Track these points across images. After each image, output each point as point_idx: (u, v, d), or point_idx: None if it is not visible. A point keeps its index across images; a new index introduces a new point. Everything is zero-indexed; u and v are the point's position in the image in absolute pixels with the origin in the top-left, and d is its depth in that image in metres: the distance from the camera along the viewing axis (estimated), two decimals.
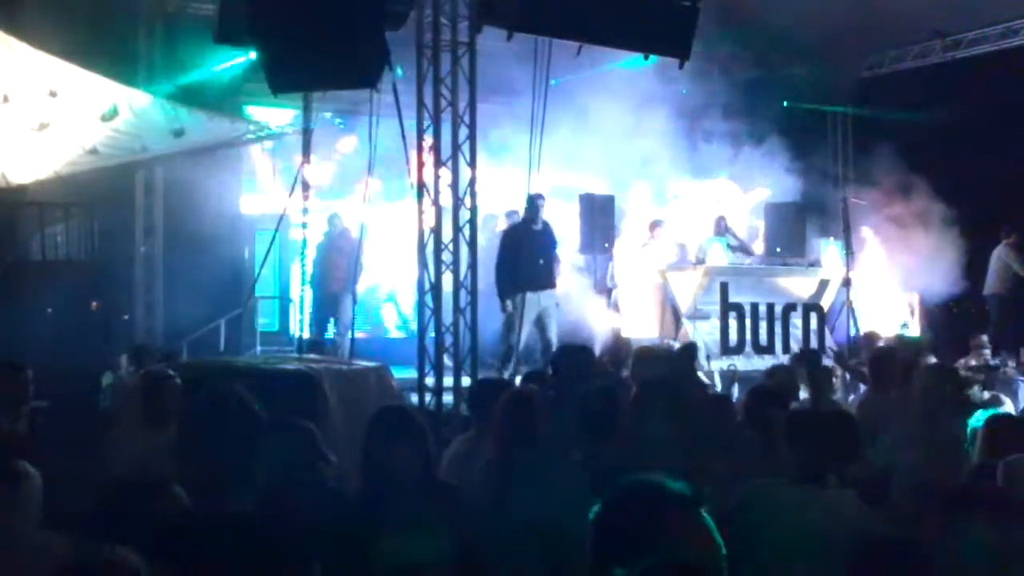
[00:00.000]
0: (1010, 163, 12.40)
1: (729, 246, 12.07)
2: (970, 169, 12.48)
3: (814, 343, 11.35)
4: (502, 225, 11.99)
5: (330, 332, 11.25)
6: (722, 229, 12.19)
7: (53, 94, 9.56)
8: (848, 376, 9.49)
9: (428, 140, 8.29)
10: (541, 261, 10.09)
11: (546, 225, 10.30)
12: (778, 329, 11.10)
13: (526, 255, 10.00)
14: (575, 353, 6.41)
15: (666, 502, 2.02)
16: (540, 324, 10.14)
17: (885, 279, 13.30)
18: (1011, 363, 10.23)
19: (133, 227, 11.43)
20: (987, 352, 10.58)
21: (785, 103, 14.85)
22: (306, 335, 11.02)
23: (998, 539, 2.72)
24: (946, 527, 2.77)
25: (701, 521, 2.01)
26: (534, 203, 10.07)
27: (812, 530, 3.61)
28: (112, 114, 9.86)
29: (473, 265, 8.39)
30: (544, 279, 10.16)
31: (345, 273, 10.99)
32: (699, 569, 1.79)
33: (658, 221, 12.43)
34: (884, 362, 6.85)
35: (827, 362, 10.62)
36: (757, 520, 3.60)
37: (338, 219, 11.61)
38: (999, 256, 12.36)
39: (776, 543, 3.57)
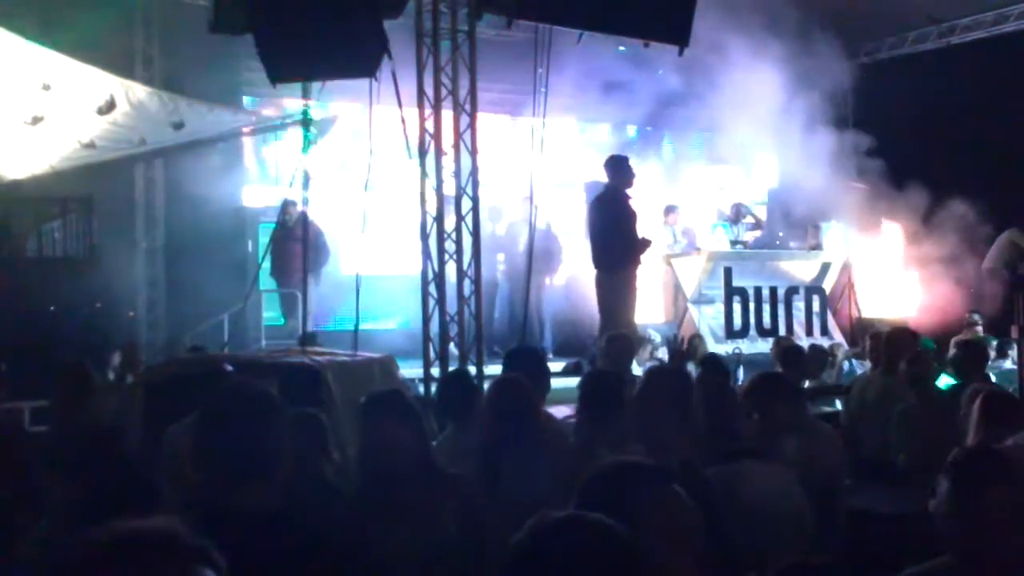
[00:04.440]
0: (1007, 147, 12.32)
1: (749, 227, 12.09)
2: (969, 154, 12.41)
3: (816, 325, 11.44)
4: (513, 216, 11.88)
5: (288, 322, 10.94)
6: (740, 215, 12.19)
7: (47, 87, 9.41)
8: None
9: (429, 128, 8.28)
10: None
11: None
12: (781, 312, 11.21)
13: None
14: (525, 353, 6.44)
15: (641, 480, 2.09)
16: None
17: (894, 263, 13.25)
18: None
19: (133, 222, 11.35)
20: (979, 329, 10.57)
21: None
22: (299, 330, 10.80)
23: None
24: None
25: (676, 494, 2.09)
26: (613, 164, 9.28)
27: (789, 498, 3.67)
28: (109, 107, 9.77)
29: (476, 254, 8.37)
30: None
31: (302, 263, 10.08)
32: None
33: (672, 207, 12.37)
34: (895, 345, 6.91)
35: (830, 341, 10.77)
36: (732, 502, 3.60)
37: (293, 206, 10.77)
38: (1008, 236, 12.14)
39: (756, 518, 3.58)
